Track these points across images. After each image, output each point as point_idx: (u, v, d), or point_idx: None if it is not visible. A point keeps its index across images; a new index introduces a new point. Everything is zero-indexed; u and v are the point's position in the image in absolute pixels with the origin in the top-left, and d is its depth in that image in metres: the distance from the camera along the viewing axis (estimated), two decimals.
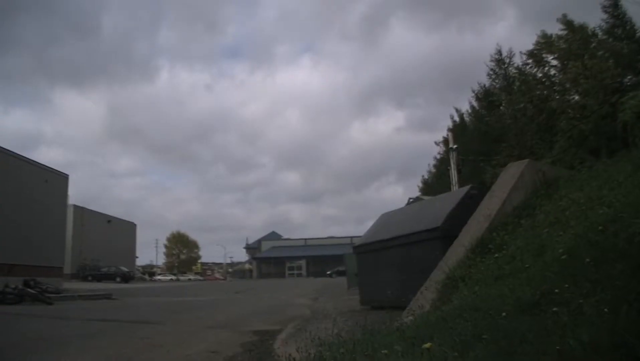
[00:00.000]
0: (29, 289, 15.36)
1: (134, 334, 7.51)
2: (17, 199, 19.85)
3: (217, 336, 7.42)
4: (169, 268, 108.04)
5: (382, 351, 3.22)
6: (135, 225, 65.38)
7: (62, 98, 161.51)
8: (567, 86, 21.85)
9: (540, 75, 24.40)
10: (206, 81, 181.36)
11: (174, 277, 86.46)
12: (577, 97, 21.03)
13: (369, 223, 12.45)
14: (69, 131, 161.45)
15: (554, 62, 23.76)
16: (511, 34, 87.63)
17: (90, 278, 42.98)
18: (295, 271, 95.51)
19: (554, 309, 2.98)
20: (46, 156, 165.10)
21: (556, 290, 3.38)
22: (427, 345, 2.56)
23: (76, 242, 44.93)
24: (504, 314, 3.30)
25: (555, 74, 23.86)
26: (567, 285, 3.38)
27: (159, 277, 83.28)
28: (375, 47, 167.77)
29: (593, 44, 21.52)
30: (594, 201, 6.11)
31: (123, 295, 17.90)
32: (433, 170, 43.66)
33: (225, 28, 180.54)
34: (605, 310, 2.62)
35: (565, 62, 21.83)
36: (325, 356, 3.79)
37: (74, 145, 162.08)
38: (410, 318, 5.38)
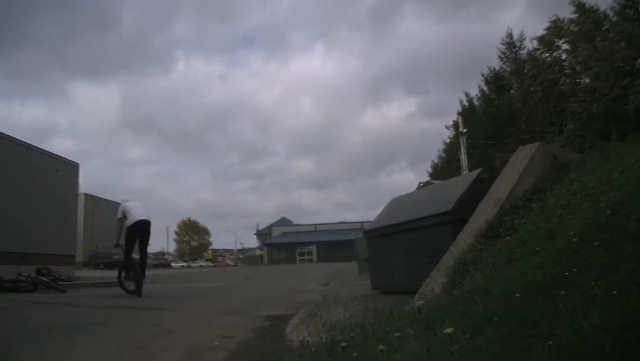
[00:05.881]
0: (42, 278, 15.47)
1: (147, 321, 7.56)
2: (28, 188, 19.94)
3: (229, 321, 7.46)
4: (180, 254, 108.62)
5: (395, 334, 3.24)
6: None
7: (78, 90, 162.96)
8: (578, 69, 21.68)
9: (550, 60, 24.21)
10: (221, 71, 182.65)
11: (185, 264, 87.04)
12: (587, 81, 20.86)
13: (380, 209, 12.46)
14: (83, 121, 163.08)
15: (565, 46, 23.58)
16: (521, 20, 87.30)
17: (102, 266, 43.30)
18: (306, 257, 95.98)
19: (565, 292, 2.99)
20: (60, 146, 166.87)
21: (567, 273, 3.39)
22: (449, 330, 2.57)
23: (87, 230, 45.33)
24: (515, 297, 3.31)
25: (565, 57, 23.68)
26: (578, 268, 3.39)
27: (170, 263, 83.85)
28: (386, 34, 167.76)
29: (605, 27, 21.30)
30: (605, 185, 6.10)
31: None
32: (443, 155, 43.59)
33: (240, 18, 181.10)
34: (616, 292, 2.63)
35: (577, 44, 21.64)
36: (338, 340, 3.82)
37: (88, 135, 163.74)
38: (422, 301, 5.39)
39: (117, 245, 12.03)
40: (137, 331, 6.45)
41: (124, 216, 11.86)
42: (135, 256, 11.95)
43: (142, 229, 11.77)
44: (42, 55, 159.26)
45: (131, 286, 11.88)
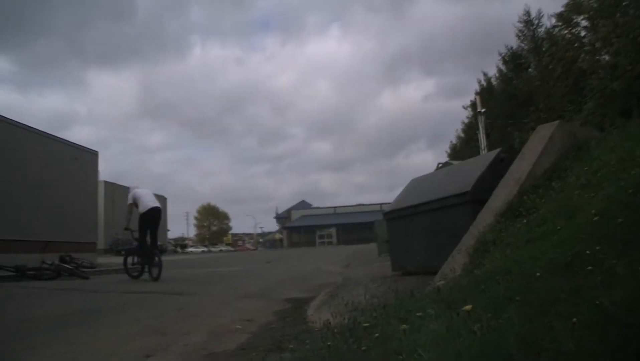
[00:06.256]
0: (65, 265, 15.69)
1: (169, 305, 7.65)
2: (49, 178, 20.22)
3: (250, 305, 7.52)
4: (200, 239, 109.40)
5: (416, 314, 3.25)
6: (165, 199, 66.08)
7: (95, 78, 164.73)
8: (598, 45, 21.38)
9: (569, 36, 23.91)
10: (237, 55, 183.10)
11: (205, 249, 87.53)
12: (607, 58, 20.57)
13: (399, 190, 12.43)
14: (102, 109, 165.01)
15: (584, 23, 23.26)
16: None
17: (123, 253, 43.59)
18: (326, 240, 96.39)
19: (588, 268, 2.97)
20: (79, 134, 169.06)
21: (588, 251, 3.36)
22: (468, 307, 2.58)
23: (108, 217, 45.74)
24: (536, 276, 3.30)
25: (585, 34, 23.38)
26: (599, 246, 3.36)
27: (190, 249, 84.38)
28: (403, 15, 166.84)
29: (625, 2, 20.95)
30: (626, 162, 6.02)
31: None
32: (461, 135, 43.45)
33: (255, 1, 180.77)
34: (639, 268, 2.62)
35: (596, 21, 21.32)
36: (360, 321, 3.84)
37: (106, 123, 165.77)
38: (442, 282, 5.39)
39: (127, 229, 12.73)
40: (159, 316, 6.52)
41: (134, 203, 12.44)
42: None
43: (155, 216, 12.36)
44: (58, 44, 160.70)
45: (134, 271, 12.72)
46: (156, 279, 11.65)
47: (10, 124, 18.78)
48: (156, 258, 12.01)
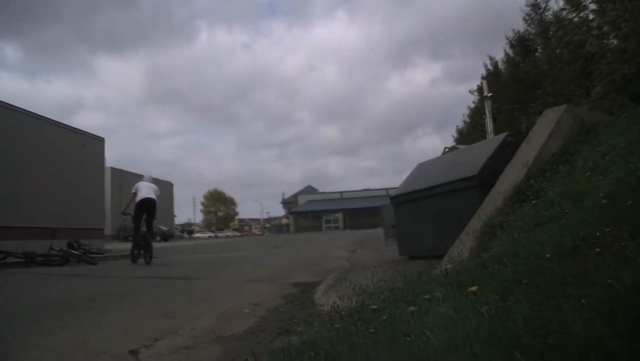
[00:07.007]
0: (73, 251, 15.76)
1: (177, 290, 7.69)
2: (56, 165, 20.33)
3: (258, 289, 7.56)
4: (207, 225, 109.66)
5: (424, 297, 3.26)
6: (172, 185, 66.46)
7: (102, 65, 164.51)
8: (606, 29, 21.16)
9: (577, 20, 23.67)
10: (244, 40, 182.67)
11: (212, 234, 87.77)
12: (616, 42, 20.34)
13: (406, 174, 12.39)
14: (109, 96, 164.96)
15: (592, 6, 23.01)
16: None
17: (130, 239, 43.79)
18: (332, 225, 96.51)
19: (597, 250, 2.96)
20: (87, 120, 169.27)
21: (597, 234, 3.34)
22: (474, 288, 2.59)
23: (115, 204, 45.86)
24: (544, 259, 3.29)
25: (593, 18, 23.13)
26: (608, 229, 3.34)
27: (197, 235, 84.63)
28: None
29: None
30: (635, 145, 5.98)
31: (163, 253, 18.20)
32: (468, 120, 43.21)
33: None
34: None
35: (604, 5, 21.08)
36: (368, 304, 3.85)
37: (113, 109, 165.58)
38: (449, 265, 5.39)
39: (123, 213, 14.29)
40: (168, 300, 6.56)
41: (135, 192, 13.70)
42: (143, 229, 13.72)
43: (146, 205, 13.58)
44: (65, 30, 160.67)
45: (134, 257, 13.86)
46: (148, 263, 12.78)
47: (16, 112, 18.84)
48: (148, 245, 13.21)
